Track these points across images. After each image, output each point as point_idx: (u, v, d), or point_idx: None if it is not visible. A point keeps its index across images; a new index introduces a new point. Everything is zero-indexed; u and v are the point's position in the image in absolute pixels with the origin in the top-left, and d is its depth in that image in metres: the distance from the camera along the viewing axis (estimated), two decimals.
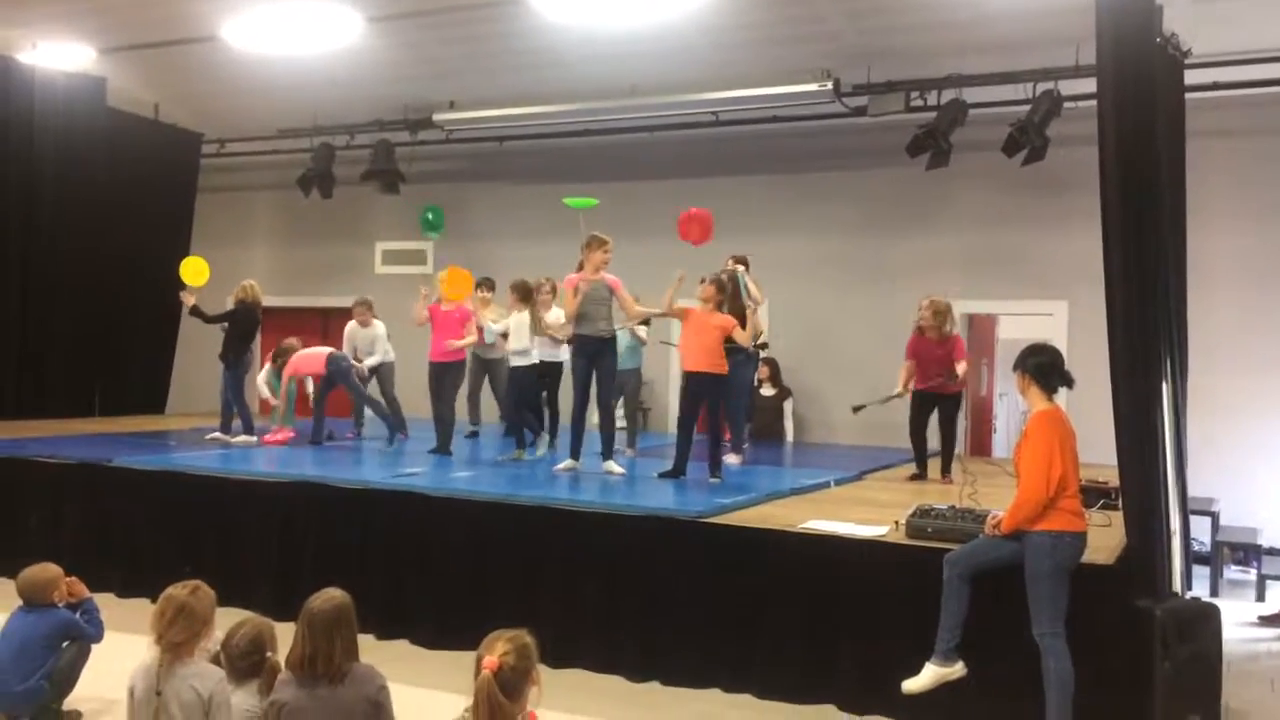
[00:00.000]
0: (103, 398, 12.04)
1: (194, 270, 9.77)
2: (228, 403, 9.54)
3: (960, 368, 7.91)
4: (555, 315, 9.07)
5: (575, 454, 7.76)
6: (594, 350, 7.64)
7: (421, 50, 10.87)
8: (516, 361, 8.80)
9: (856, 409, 8.21)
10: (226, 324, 9.49)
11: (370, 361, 10.01)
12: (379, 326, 10.18)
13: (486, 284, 9.68)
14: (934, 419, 8.13)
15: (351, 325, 10.24)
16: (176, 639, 3.88)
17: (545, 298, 9.05)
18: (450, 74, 11.35)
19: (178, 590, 4.00)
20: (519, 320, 8.79)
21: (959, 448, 10.75)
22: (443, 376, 8.97)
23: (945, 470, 8.13)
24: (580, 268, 7.72)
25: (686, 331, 7.48)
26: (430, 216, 9.54)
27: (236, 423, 9.49)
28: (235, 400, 9.45)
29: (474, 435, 10.25)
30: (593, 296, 7.53)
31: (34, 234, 11.20)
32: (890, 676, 5.13)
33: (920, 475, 8.14)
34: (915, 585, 5.24)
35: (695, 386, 7.45)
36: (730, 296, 7.86)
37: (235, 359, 9.44)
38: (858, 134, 10.91)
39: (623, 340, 8.58)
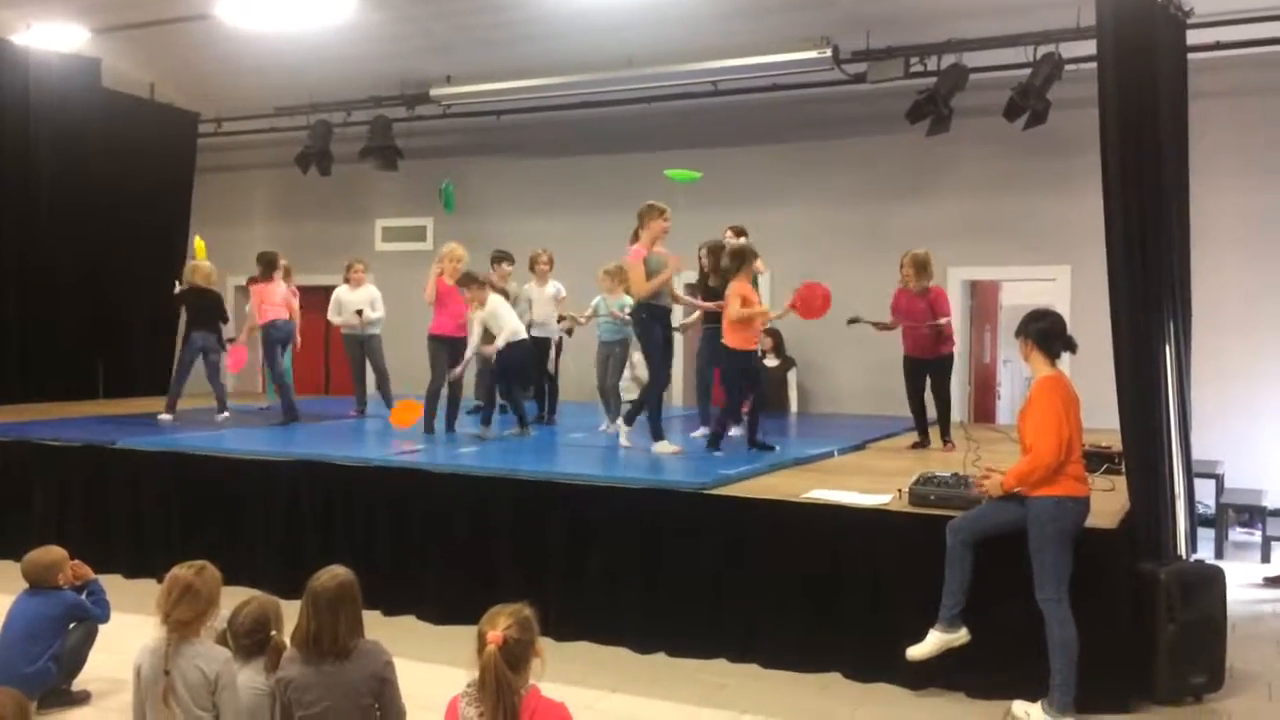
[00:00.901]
0: (105, 380, 12.06)
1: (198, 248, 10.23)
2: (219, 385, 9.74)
3: (943, 321, 7.79)
4: (554, 288, 9.06)
5: (659, 433, 7.32)
6: (666, 323, 7.41)
7: (417, 25, 10.80)
8: (512, 339, 8.55)
9: (851, 321, 8.09)
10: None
11: (376, 328, 9.96)
12: (373, 287, 10.08)
13: (506, 258, 9.45)
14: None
15: (341, 289, 10.04)
16: (182, 618, 3.89)
17: (543, 269, 9.07)
18: (447, 48, 11.28)
19: (183, 570, 4.01)
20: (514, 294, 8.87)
21: (961, 414, 10.80)
22: (439, 352, 8.57)
23: (944, 436, 8.06)
24: (635, 238, 7.42)
25: None
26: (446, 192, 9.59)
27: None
28: (177, 381, 9.69)
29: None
30: (658, 268, 7.19)
31: (32, 217, 11.17)
32: (894, 644, 5.15)
33: (922, 443, 8.09)
34: (919, 553, 5.24)
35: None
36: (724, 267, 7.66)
37: (185, 341, 9.64)
38: (857, 101, 10.83)
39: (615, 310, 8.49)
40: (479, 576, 6.24)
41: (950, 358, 8.07)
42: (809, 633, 5.56)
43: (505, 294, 8.85)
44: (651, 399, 7.38)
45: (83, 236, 11.49)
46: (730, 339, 7.32)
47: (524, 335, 8.38)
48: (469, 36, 10.94)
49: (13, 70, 10.95)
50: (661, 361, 7.38)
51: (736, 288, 7.26)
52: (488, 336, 8.23)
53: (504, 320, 8.18)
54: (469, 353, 8.32)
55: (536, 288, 9.23)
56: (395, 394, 9.82)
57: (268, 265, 9.42)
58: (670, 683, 5.44)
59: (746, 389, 7.59)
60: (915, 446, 8.07)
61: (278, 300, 9.37)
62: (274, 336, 9.32)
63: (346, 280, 10.09)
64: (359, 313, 9.85)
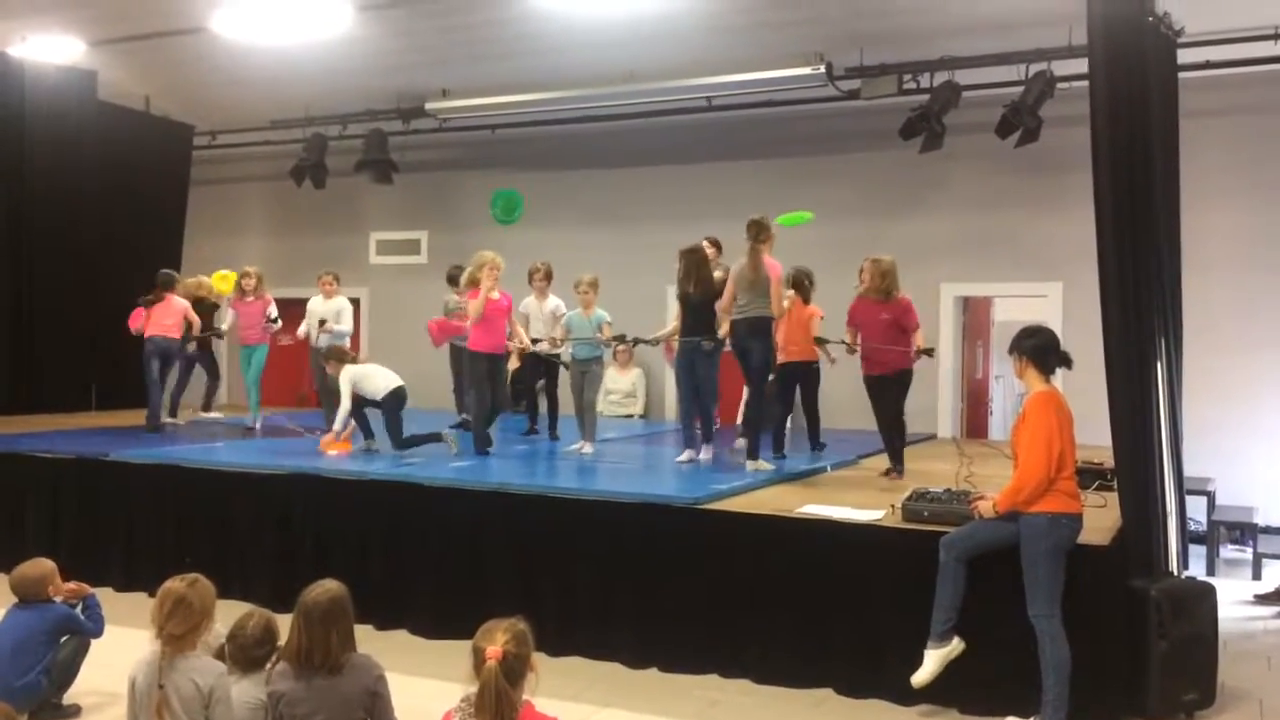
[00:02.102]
0: (98, 392, 12.01)
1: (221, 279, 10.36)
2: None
3: (917, 338, 7.16)
4: (553, 304, 8.91)
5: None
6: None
7: (413, 38, 10.81)
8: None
9: (819, 342, 7.92)
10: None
11: (336, 326, 9.40)
12: (343, 299, 9.72)
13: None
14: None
15: (315, 300, 9.68)
16: (176, 631, 3.88)
17: (540, 284, 8.93)
18: (442, 62, 11.29)
19: (176, 583, 4.00)
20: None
21: (953, 429, 10.81)
22: (481, 369, 8.07)
23: (895, 463, 7.27)
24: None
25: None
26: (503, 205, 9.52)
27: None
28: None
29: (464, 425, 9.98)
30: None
31: (26, 229, 11.15)
32: (887, 660, 5.16)
33: (895, 470, 7.29)
34: (912, 569, 5.25)
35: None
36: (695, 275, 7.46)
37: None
38: (851, 117, 10.88)
39: (589, 328, 8.25)
40: (472, 591, 6.23)
41: (906, 374, 7.32)
42: (801, 648, 5.56)
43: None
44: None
45: (77, 248, 11.45)
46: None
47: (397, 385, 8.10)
48: (465, 51, 10.95)
49: (8, 82, 10.94)
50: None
51: (813, 310, 7.93)
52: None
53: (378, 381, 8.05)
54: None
55: (535, 302, 9.00)
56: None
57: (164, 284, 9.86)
58: (663, 698, 5.44)
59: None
60: (888, 474, 7.28)
61: (166, 319, 9.74)
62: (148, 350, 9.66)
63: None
64: (322, 322, 9.49)
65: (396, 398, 7.98)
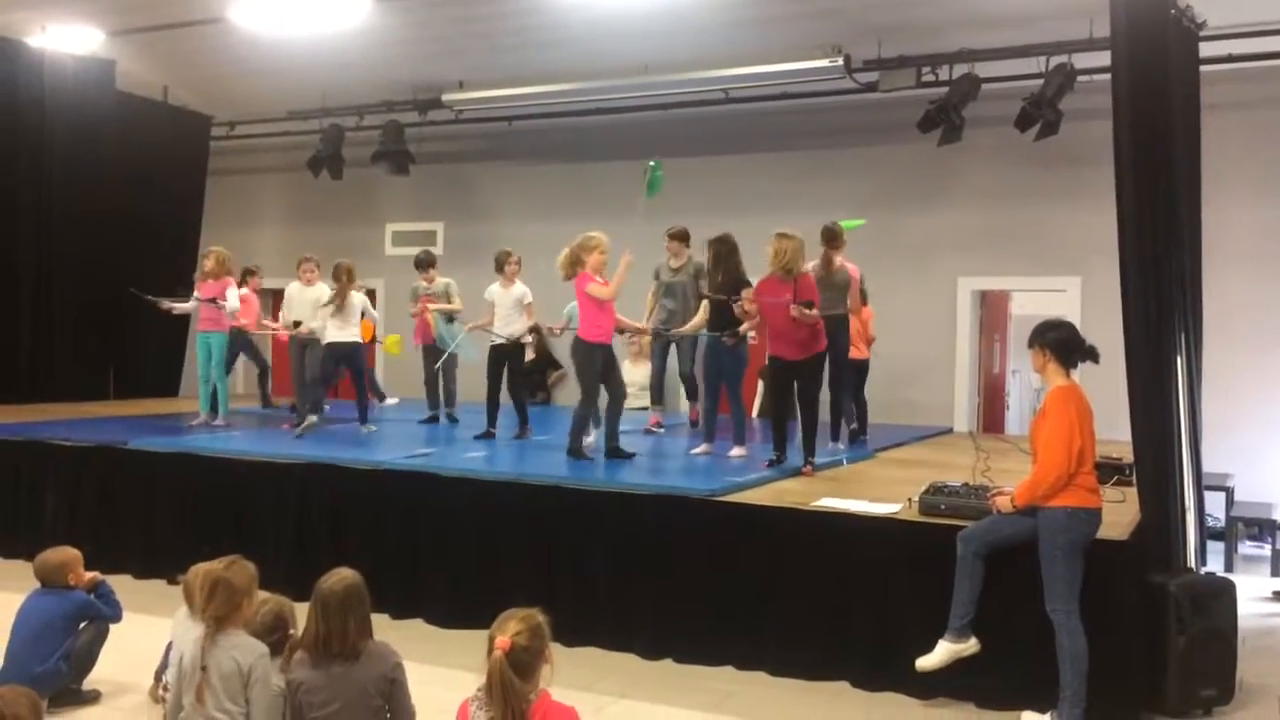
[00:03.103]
0: (116, 381, 12.09)
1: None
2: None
3: (808, 313, 6.56)
4: (520, 292, 8.52)
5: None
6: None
7: (430, 30, 10.83)
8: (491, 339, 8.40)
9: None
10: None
11: (315, 323, 9.04)
12: (323, 288, 9.17)
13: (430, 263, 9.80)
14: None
15: (293, 286, 9.48)
16: (218, 613, 3.94)
17: (513, 269, 8.54)
18: (459, 53, 11.31)
19: (214, 565, 4.07)
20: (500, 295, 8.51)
21: (969, 424, 10.78)
22: (596, 361, 7.36)
23: (808, 454, 6.84)
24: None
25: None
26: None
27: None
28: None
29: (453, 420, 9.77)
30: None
31: (45, 218, 11.22)
32: (903, 653, 5.14)
33: (777, 460, 6.93)
34: (928, 562, 5.24)
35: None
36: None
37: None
38: (869, 110, 10.85)
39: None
40: (488, 581, 6.25)
41: (817, 360, 6.90)
42: (817, 641, 5.55)
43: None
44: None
45: (95, 238, 11.52)
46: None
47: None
48: (482, 42, 10.97)
49: (28, 72, 11.00)
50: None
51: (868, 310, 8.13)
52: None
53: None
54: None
55: (500, 289, 8.56)
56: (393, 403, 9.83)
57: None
58: (678, 689, 5.44)
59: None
60: (771, 464, 6.90)
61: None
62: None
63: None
64: (296, 324, 9.31)
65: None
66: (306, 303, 9.24)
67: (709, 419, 7.77)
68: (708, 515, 5.95)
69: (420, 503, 6.67)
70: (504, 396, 8.73)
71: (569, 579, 6.15)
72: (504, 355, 8.53)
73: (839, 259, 7.84)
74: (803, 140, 11.37)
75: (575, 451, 7.16)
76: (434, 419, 9.75)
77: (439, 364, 9.51)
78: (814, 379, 6.91)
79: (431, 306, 9.51)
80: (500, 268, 8.55)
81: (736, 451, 7.45)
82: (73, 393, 11.15)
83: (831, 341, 7.20)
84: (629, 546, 6.06)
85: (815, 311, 6.66)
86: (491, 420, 8.53)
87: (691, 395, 8.85)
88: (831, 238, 7.82)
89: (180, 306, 9.62)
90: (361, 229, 13.59)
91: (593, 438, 7.89)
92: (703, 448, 7.60)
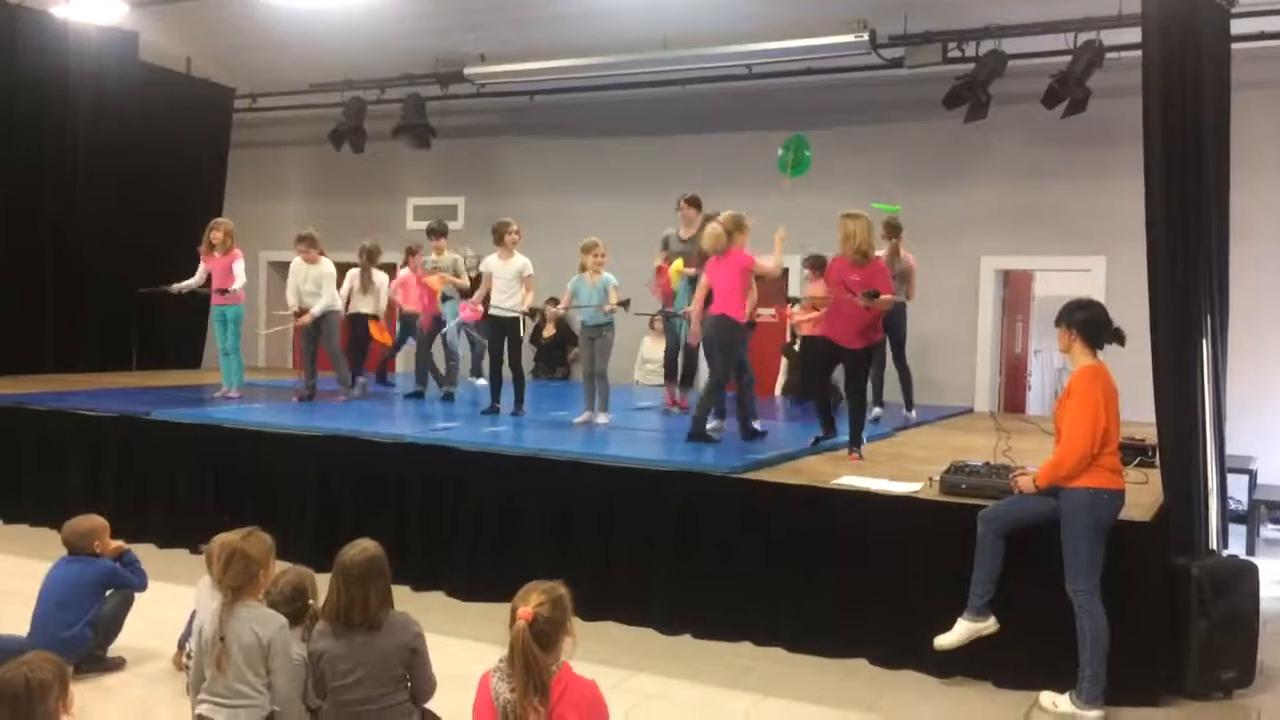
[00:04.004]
0: (139, 352, 12.18)
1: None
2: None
3: (880, 300, 6.52)
4: (520, 264, 8.20)
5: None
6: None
7: (452, 2, 10.79)
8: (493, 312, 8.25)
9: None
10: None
11: (316, 308, 8.92)
12: (326, 264, 9.07)
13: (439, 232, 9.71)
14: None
15: (295, 263, 9.13)
16: (235, 583, 3.97)
17: (513, 238, 8.24)
18: (481, 27, 11.26)
19: (230, 536, 4.10)
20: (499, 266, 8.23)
21: (990, 404, 10.74)
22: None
23: (855, 443, 6.78)
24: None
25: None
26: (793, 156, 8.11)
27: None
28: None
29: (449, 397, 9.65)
30: None
31: (69, 189, 11.28)
32: (922, 632, 5.14)
33: (825, 435, 6.98)
34: (948, 542, 5.23)
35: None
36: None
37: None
38: (894, 86, 10.76)
39: (595, 294, 7.93)
40: (508, 554, 6.29)
41: (868, 351, 6.82)
42: (836, 618, 5.56)
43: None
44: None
45: (118, 210, 11.58)
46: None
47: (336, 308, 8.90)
48: (504, 15, 10.92)
49: (52, 43, 11.02)
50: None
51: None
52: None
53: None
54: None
55: (498, 260, 8.19)
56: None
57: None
58: (696, 664, 5.46)
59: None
60: (816, 441, 6.99)
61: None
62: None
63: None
64: (298, 313, 9.06)
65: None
66: (310, 279, 9.02)
67: (718, 396, 7.52)
68: (728, 492, 5.95)
69: (441, 476, 6.70)
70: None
71: (589, 554, 6.17)
72: (503, 328, 8.26)
73: (902, 249, 8.41)
74: (826, 117, 11.27)
75: (700, 435, 6.91)
76: (419, 394, 9.61)
77: (444, 332, 9.58)
78: (864, 368, 6.84)
79: (437, 275, 9.47)
80: (499, 239, 8.20)
81: (714, 425, 7.26)
82: (96, 364, 11.25)
83: (894, 328, 8.09)
84: (649, 522, 6.07)
85: (888, 298, 6.61)
86: (495, 395, 8.48)
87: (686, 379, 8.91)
88: (895, 229, 8.39)
89: (187, 285, 9.57)
90: (382, 203, 13.60)
91: (602, 420, 7.88)
92: (715, 424, 7.44)
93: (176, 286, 9.60)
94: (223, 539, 4.10)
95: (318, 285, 8.98)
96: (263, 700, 3.87)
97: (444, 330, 9.60)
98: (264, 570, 4.08)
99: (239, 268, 9.15)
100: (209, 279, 9.31)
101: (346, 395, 9.17)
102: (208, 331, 12.84)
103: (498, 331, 8.31)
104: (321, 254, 9.06)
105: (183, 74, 12.78)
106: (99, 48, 11.39)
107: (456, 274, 9.57)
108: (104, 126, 11.45)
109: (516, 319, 8.22)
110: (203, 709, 3.90)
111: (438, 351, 9.95)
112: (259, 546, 4.07)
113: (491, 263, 8.28)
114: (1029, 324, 11.91)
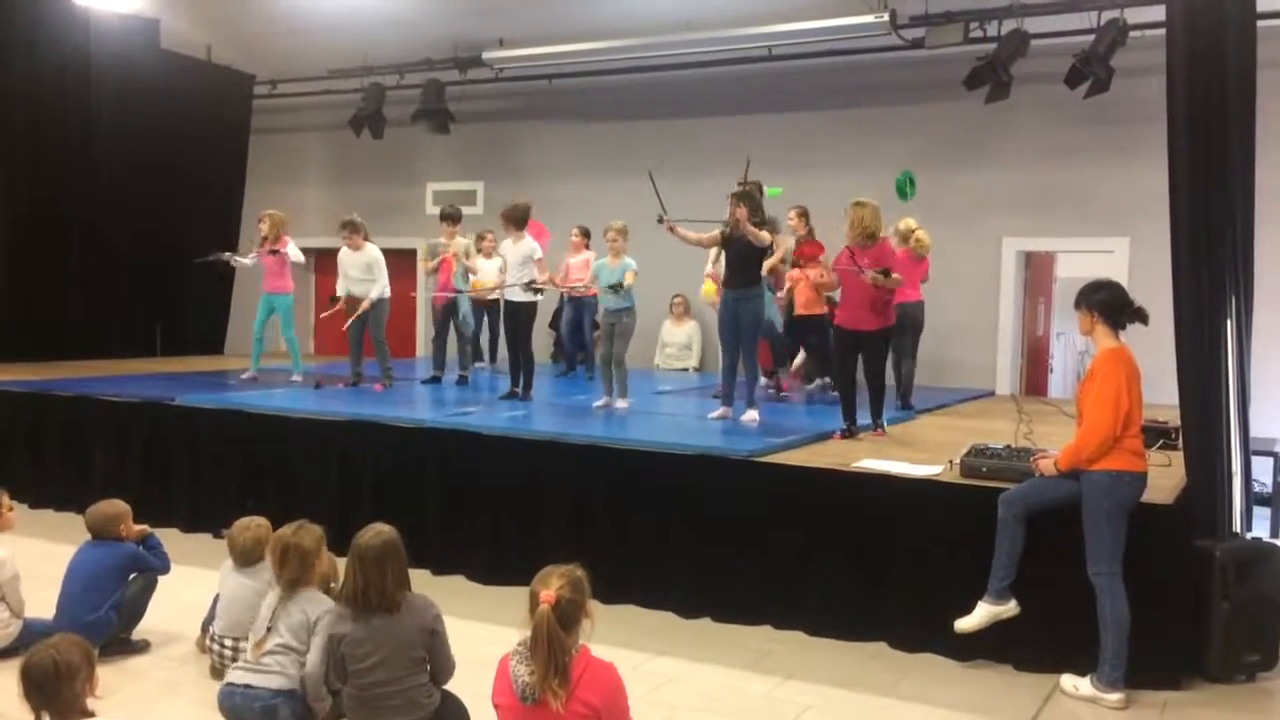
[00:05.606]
0: (163, 338, 12.27)
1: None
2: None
3: (891, 279, 6.63)
4: (530, 246, 8.16)
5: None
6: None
7: None
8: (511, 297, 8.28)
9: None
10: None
11: (374, 293, 8.86)
12: (373, 250, 8.98)
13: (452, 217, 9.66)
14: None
15: (342, 251, 9.05)
16: (292, 575, 4.25)
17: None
18: (499, 11, 11.24)
19: (284, 531, 4.36)
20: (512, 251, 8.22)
21: (1012, 387, 10.67)
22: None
23: (877, 419, 6.95)
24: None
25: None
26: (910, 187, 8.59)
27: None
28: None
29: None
30: None
31: (92, 176, 11.36)
32: (941, 615, 5.13)
33: (849, 431, 6.87)
34: (969, 525, 5.21)
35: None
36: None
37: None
38: (915, 67, 10.66)
39: (616, 277, 7.87)
40: (527, 538, 6.30)
41: (885, 333, 6.93)
42: (855, 602, 5.56)
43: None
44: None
45: (141, 196, 11.67)
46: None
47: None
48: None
49: (73, 30, 11.09)
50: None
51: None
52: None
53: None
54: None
55: (510, 244, 8.20)
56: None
57: None
58: (716, 647, 5.47)
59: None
60: (844, 435, 6.85)
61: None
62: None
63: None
64: (347, 300, 9.01)
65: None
66: (357, 266, 8.94)
67: (727, 380, 7.43)
68: (747, 475, 5.95)
69: (461, 460, 6.73)
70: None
71: (608, 537, 6.18)
72: (515, 312, 8.30)
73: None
74: (847, 98, 11.21)
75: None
76: (436, 379, 9.61)
77: (460, 317, 9.68)
78: (881, 352, 6.99)
79: (454, 257, 9.49)
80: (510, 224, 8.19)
81: (749, 415, 7.22)
82: (120, 350, 11.34)
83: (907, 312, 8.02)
84: (668, 505, 6.07)
85: (898, 276, 6.77)
86: (514, 379, 8.44)
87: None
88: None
89: (241, 261, 9.83)
90: (402, 188, 13.61)
91: (622, 405, 7.85)
92: (720, 411, 7.40)
93: (234, 259, 9.88)
94: (276, 534, 4.37)
95: (366, 271, 8.92)
96: (295, 672, 4.11)
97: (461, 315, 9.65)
98: (318, 560, 4.34)
99: (293, 249, 9.39)
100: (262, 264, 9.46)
101: (385, 384, 9.03)
102: (231, 318, 12.97)
103: (513, 315, 8.35)
104: (366, 239, 9.01)
105: (203, 61, 12.83)
106: (120, 35, 11.46)
107: (467, 257, 9.58)
108: (125, 114, 11.52)
109: (530, 303, 8.25)
110: (235, 675, 4.18)
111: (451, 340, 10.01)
112: (310, 538, 4.32)
113: (505, 246, 8.35)
114: (1051, 306, 11.82)
